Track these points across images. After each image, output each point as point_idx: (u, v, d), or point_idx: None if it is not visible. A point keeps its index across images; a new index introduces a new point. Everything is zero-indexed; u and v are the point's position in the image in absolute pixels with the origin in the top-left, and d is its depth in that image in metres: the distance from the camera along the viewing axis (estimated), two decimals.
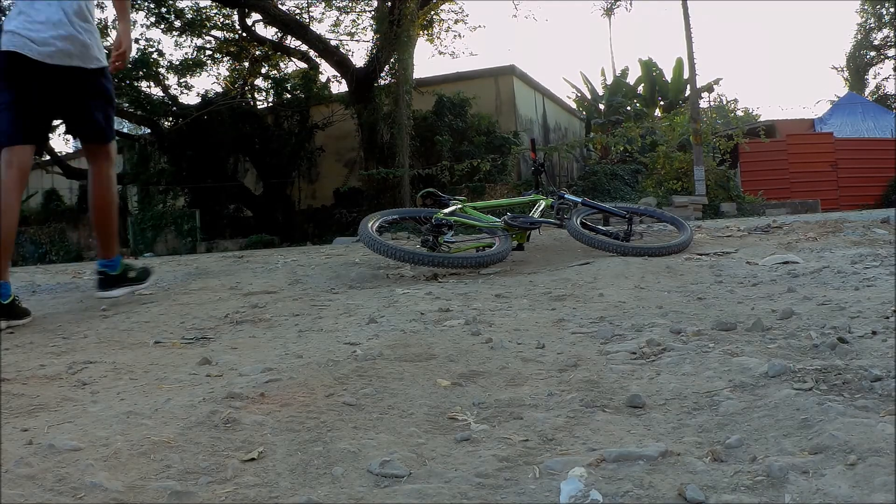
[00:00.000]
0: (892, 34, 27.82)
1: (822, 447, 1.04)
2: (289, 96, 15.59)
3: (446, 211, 3.90)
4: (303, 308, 2.74)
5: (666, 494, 0.96)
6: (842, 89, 28.51)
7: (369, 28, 14.92)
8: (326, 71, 15.81)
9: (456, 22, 14.38)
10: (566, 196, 4.12)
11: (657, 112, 19.66)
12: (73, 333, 2.49)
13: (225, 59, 15.99)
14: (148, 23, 14.15)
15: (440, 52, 22.35)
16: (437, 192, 4.28)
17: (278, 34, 15.39)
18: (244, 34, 15.18)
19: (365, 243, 3.65)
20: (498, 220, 3.98)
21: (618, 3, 21.36)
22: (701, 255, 3.48)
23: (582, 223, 3.95)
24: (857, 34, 28.98)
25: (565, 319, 2.14)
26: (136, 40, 14.04)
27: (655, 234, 4.62)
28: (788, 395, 1.26)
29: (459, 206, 4.06)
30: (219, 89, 15.92)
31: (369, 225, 3.74)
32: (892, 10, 26.38)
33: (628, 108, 19.32)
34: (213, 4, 14.78)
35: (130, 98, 14.40)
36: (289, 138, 15.31)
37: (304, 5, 14.97)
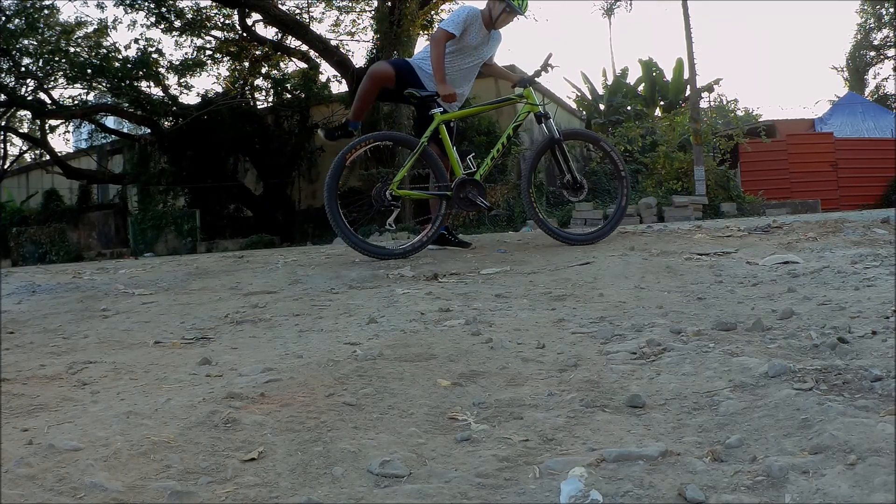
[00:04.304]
0: (892, 34, 27.81)
1: (822, 447, 1.03)
2: (289, 96, 15.59)
3: (396, 181, 4.00)
4: (303, 308, 2.74)
5: (666, 494, 0.96)
6: (842, 89, 28.48)
7: (369, 28, 14.94)
8: (326, 71, 15.82)
9: None
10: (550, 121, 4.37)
11: (657, 112, 19.60)
12: (73, 333, 2.49)
13: (225, 59, 15.99)
14: (148, 23, 14.15)
15: None
16: (415, 92, 4.09)
17: (278, 34, 15.39)
18: (244, 34, 15.18)
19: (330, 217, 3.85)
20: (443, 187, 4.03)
21: (618, 3, 21.34)
22: (701, 255, 3.47)
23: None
24: (856, 34, 28.98)
25: (565, 319, 2.14)
26: (136, 40, 14.08)
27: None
28: (788, 395, 1.26)
29: (431, 130, 4.07)
30: (219, 89, 15.92)
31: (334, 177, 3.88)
32: (892, 10, 26.38)
33: (628, 108, 19.27)
34: (213, 4, 14.78)
35: (130, 98, 14.40)
36: (289, 138, 15.31)
37: (304, 5, 14.98)
